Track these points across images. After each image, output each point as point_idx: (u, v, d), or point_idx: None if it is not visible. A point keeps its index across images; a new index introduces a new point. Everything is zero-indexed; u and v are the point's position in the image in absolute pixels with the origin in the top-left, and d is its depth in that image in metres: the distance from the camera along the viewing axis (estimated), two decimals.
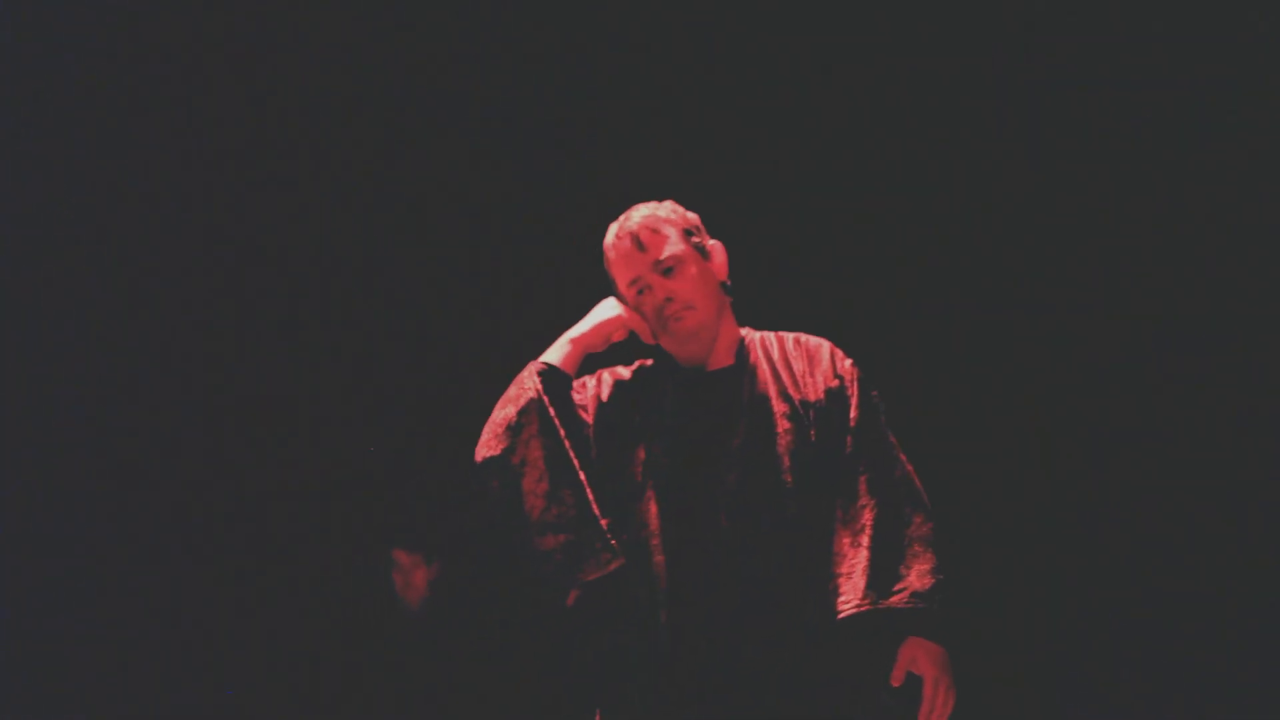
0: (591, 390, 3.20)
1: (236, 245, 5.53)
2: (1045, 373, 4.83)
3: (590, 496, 3.01)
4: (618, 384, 3.22)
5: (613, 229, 3.19)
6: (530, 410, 3.04)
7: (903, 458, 3.08)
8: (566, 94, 5.28)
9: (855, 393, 3.10)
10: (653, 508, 3.04)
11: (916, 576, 2.95)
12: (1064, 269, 4.84)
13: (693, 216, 3.22)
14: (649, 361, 3.27)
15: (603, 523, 3.00)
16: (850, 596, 2.94)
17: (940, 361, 4.87)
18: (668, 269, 3.12)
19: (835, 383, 3.11)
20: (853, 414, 3.08)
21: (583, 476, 3.02)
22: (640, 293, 3.15)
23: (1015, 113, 4.88)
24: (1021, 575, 4.78)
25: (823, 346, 3.19)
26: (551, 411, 3.04)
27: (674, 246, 3.12)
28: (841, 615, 2.94)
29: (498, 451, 3.03)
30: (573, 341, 3.16)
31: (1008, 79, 4.86)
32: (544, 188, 5.27)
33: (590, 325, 3.17)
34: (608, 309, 3.19)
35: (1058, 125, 4.85)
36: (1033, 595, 4.76)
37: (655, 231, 3.13)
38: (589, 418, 3.16)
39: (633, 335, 3.23)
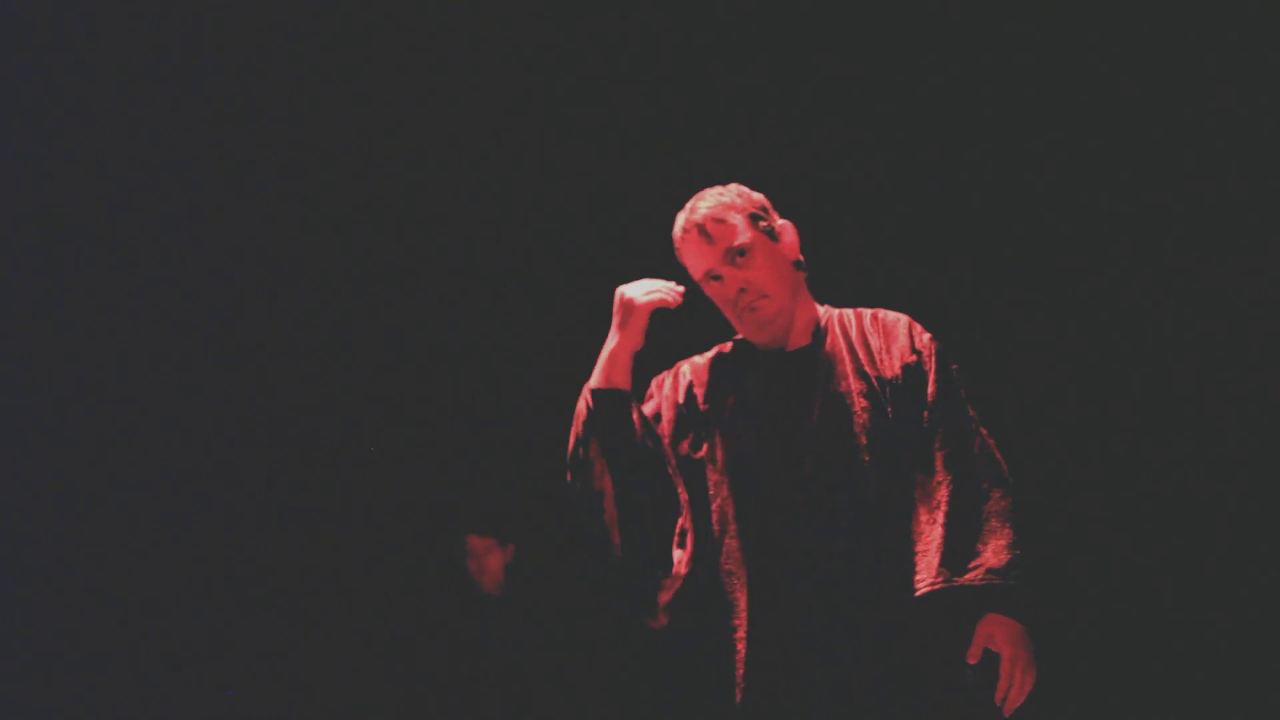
0: (668, 389, 3.18)
1: (328, 252, 5.56)
2: (1130, 346, 4.81)
3: (649, 520, 3.00)
4: (694, 375, 3.19)
5: (679, 219, 3.14)
6: (589, 440, 3.03)
7: (983, 431, 3.03)
8: (639, 74, 5.26)
9: (933, 367, 3.05)
10: (732, 493, 3.03)
11: (993, 552, 2.90)
12: (1145, 242, 4.82)
13: (759, 198, 3.16)
14: (727, 346, 3.24)
15: (670, 547, 3.00)
16: (925, 574, 2.91)
17: (1025, 335, 4.84)
18: (737, 259, 3.07)
19: (913, 358, 3.06)
20: (930, 389, 3.03)
21: (646, 498, 3.01)
22: (714, 281, 3.11)
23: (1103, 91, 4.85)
24: (1106, 552, 4.76)
25: (900, 321, 3.14)
26: (611, 437, 3.02)
27: (742, 235, 3.07)
28: (918, 593, 2.91)
29: (575, 484, 3.04)
30: (611, 354, 3.08)
31: (1097, 56, 4.83)
32: (623, 172, 5.25)
33: (620, 331, 3.09)
34: (626, 306, 3.08)
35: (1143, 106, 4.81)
36: (1117, 574, 4.74)
37: (721, 221, 3.07)
38: (667, 411, 3.14)
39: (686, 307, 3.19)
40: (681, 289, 3.09)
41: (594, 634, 5.26)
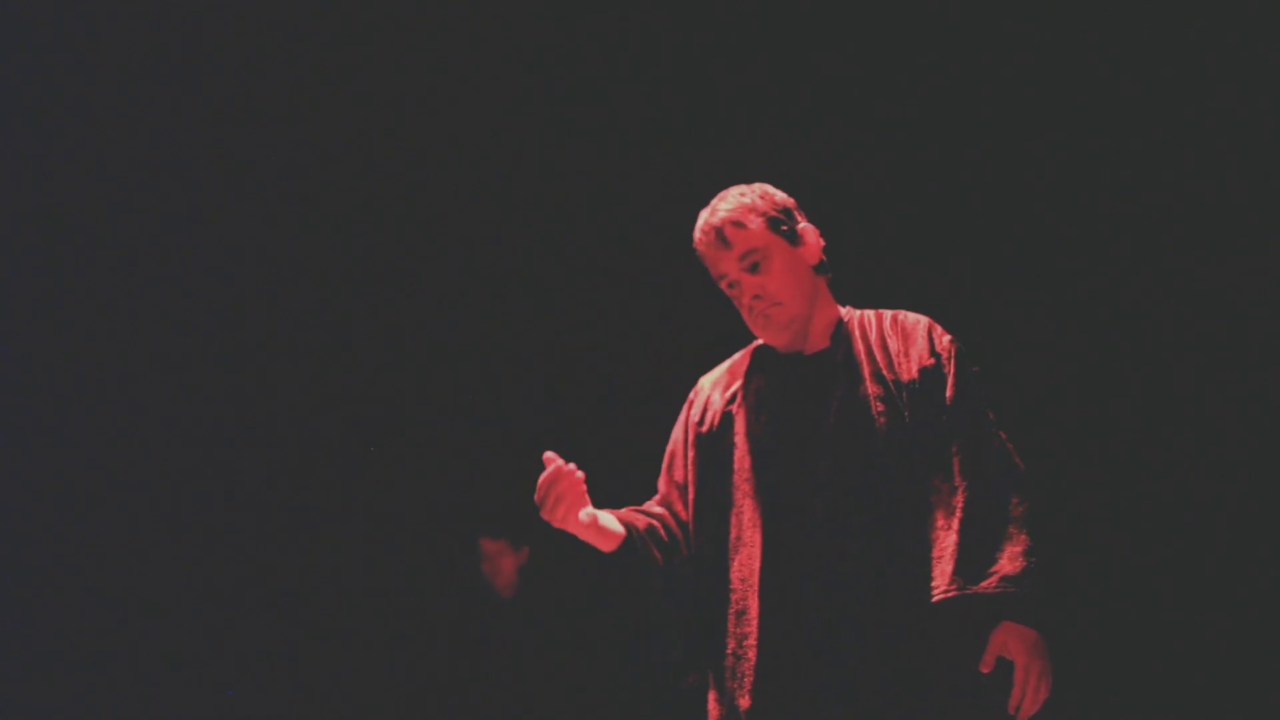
0: (690, 418, 3.17)
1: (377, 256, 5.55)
2: (1131, 346, 4.80)
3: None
4: (712, 389, 3.18)
5: (700, 219, 3.07)
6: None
7: (1002, 435, 2.97)
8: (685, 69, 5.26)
9: (952, 370, 2.99)
10: (750, 498, 3.01)
11: (1008, 559, 2.84)
12: (1146, 242, 4.81)
13: (782, 199, 3.09)
14: (748, 350, 3.21)
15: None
16: (940, 581, 2.85)
17: (1028, 335, 4.84)
18: (753, 265, 3.02)
19: (931, 361, 3.00)
20: (949, 392, 2.98)
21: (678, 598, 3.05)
22: (730, 287, 3.07)
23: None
24: (1106, 553, 4.75)
25: (920, 324, 3.07)
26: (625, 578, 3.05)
27: (758, 240, 3.02)
28: (933, 599, 2.85)
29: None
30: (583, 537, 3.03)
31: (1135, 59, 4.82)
32: (638, 171, 5.24)
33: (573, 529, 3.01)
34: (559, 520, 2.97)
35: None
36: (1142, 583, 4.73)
37: (739, 225, 3.02)
38: (690, 444, 3.14)
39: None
40: (581, 476, 2.95)
41: (605, 636, 5.27)
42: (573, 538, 3.00)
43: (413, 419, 5.69)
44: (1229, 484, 4.71)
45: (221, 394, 5.60)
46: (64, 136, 5.50)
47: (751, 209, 3.05)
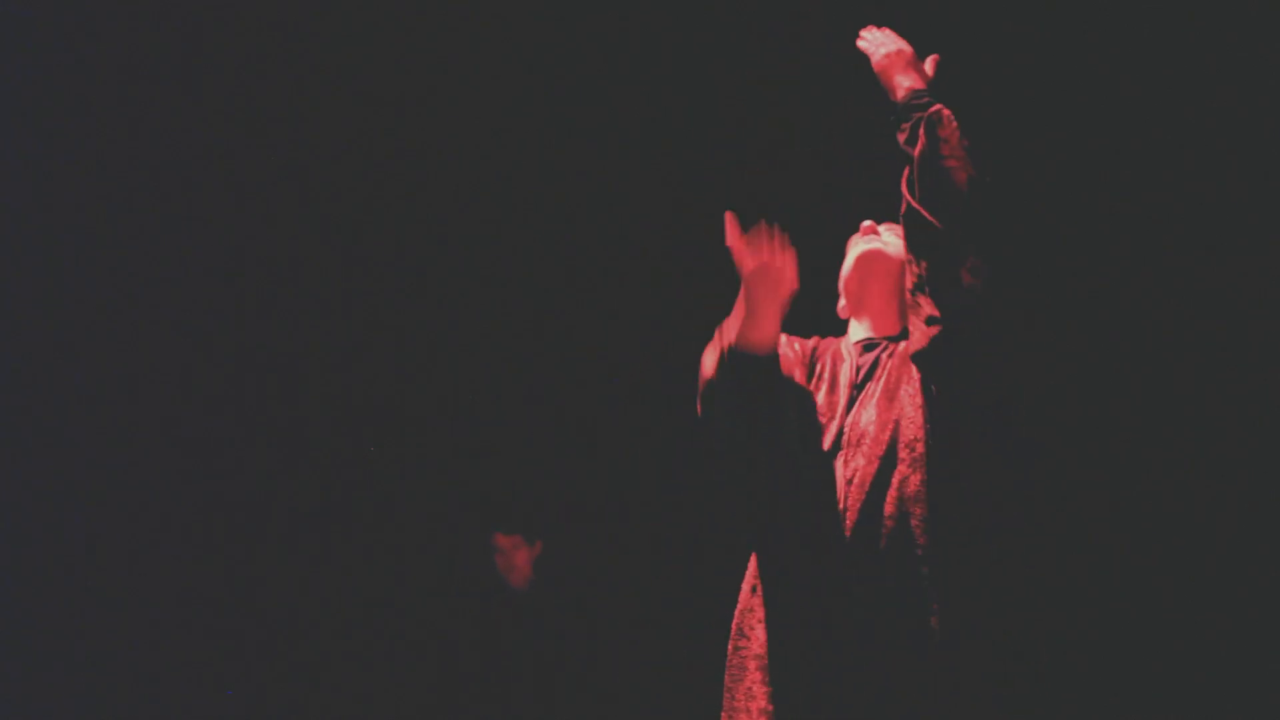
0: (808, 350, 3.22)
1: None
2: (1130, 346, 4.81)
3: None
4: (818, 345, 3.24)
5: None
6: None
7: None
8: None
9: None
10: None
11: None
12: (1145, 242, 4.82)
13: None
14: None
15: None
16: None
17: (1026, 335, 4.84)
18: (890, 236, 3.23)
19: None
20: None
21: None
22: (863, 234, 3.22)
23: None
24: (1106, 552, 4.76)
25: None
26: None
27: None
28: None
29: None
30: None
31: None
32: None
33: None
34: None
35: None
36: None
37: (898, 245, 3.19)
38: (800, 365, 3.18)
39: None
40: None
41: (619, 629, 5.28)
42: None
43: (426, 413, 5.69)
44: (1229, 484, 4.71)
45: (223, 393, 5.61)
46: (64, 136, 5.50)
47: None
